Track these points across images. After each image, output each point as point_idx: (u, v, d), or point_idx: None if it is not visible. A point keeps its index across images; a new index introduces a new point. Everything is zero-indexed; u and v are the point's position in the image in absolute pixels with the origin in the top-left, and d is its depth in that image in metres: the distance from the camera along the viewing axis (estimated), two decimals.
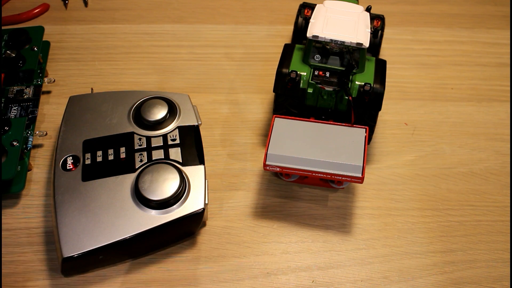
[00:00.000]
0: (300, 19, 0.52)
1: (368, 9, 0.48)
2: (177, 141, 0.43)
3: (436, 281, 0.41)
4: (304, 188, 0.46)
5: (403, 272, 0.41)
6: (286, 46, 0.47)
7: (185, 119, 0.45)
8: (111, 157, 0.42)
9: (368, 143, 0.48)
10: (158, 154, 0.42)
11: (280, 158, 0.41)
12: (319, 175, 0.41)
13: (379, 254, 0.42)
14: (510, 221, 0.44)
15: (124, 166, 0.41)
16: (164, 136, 0.43)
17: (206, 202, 0.40)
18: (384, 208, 0.45)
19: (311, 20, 0.45)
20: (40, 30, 0.53)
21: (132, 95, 0.46)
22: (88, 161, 0.42)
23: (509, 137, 0.50)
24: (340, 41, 0.43)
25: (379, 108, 0.44)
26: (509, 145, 0.50)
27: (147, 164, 0.41)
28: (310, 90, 0.44)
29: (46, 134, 0.47)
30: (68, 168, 0.41)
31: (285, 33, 0.59)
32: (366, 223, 0.44)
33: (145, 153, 0.42)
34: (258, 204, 0.45)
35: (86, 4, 0.61)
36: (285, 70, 0.44)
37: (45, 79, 0.51)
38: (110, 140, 0.43)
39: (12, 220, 0.43)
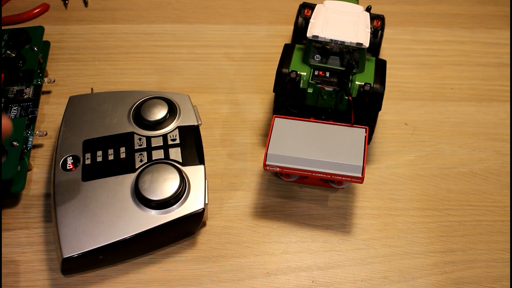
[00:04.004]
0: (300, 19, 0.52)
1: (368, 9, 0.48)
2: (177, 141, 0.43)
3: (436, 281, 0.41)
4: (304, 188, 0.46)
5: (403, 272, 0.41)
6: (286, 46, 0.47)
7: (185, 119, 0.45)
8: (111, 157, 0.42)
9: (368, 143, 0.48)
10: (158, 154, 0.42)
11: (280, 158, 0.41)
12: (319, 175, 0.41)
13: (379, 254, 0.42)
14: (510, 221, 0.44)
15: (124, 166, 0.41)
16: (164, 136, 0.43)
17: (206, 202, 0.40)
18: (384, 208, 0.45)
19: (311, 20, 0.45)
20: (40, 30, 0.53)
21: (132, 95, 0.46)
22: (88, 161, 0.42)
23: (509, 137, 0.50)
24: (340, 41, 0.43)
25: (379, 108, 0.44)
26: (509, 145, 0.50)
27: (147, 164, 0.41)
28: (310, 90, 0.44)
29: (46, 134, 0.47)
30: (68, 168, 0.42)
31: (285, 33, 0.59)
32: (366, 223, 0.44)
33: (145, 153, 0.42)
34: (258, 204, 0.45)
35: (86, 4, 0.61)
36: (285, 70, 0.44)
37: (45, 79, 0.51)
38: (110, 140, 0.43)
39: (12, 220, 0.43)
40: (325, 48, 0.45)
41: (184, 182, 0.40)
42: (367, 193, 0.46)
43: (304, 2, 0.53)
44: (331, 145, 0.42)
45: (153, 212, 0.39)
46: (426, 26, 0.61)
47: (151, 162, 0.42)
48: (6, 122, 0.33)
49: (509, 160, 0.48)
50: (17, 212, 0.43)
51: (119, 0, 0.62)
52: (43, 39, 0.53)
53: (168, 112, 0.45)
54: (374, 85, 0.43)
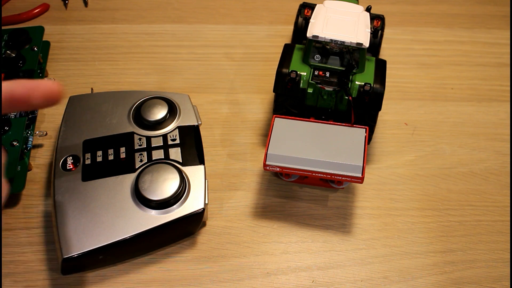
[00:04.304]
0: (300, 19, 0.52)
1: (368, 9, 0.48)
2: (177, 141, 0.43)
3: (436, 281, 0.41)
4: (304, 188, 0.46)
5: (403, 272, 0.41)
6: (286, 46, 0.47)
7: (185, 119, 0.45)
8: (111, 157, 0.42)
9: (368, 143, 0.48)
10: (158, 154, 0.42)
11: (280, 158, 0.41)
12: (319, 175, 0.41)
13: (379, 254, 0.42)
14: (510, 221, 0.44)
15: (124, 166, 0.41)
16: (164, 136, 0.43)
17: (206, 202, 0.40)
18: (384, 208, 0.45)
19: (311, 20, 0.45)
20: (40, 30, 0.53)
21: (132, 95, 0.46)
22: (88, 161, 0.42)
23: (509, 137, 0.50)
24: (340, 41, 0.43)
25: (379, 108, 0.44)
26: (509, 145, 0.50)
27: (147, 164, 0.41)
28: (310, 90, 0.44)
29: (46, 134, 0.47)
30: (68, 168, 0.41)
31: (285, 33, 0.59)
32: (366, 223, 0.44)
33: (145, 153, 0.42)
34: (258, 204, 0.45)
35: (86, 4, 0.61)
36: (285, 70, 0.44)
37: (45, 79, 0.51)
38: (110, 140, 0.43)
39: (12, 220, 0.43)
40: (325, 48, 0.45)
41: (184, 182, 0.40)
42: (367, 193, 0.46)
43: (304, 2, 0.53)
44: (331, 145, 0.42)
45: (153, 212, 0.39)
46: (426, 26, 0.61)
47: (151, 162, 0.42)
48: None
49: (509, 160, 0.48)
50: (17, 212, 0.43)
51: (119, 0, 0.62)
52: (43, 39, 0.53)
53: (168, 112, 0.45)
54: (374, 85, 0.43)
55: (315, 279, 0.41)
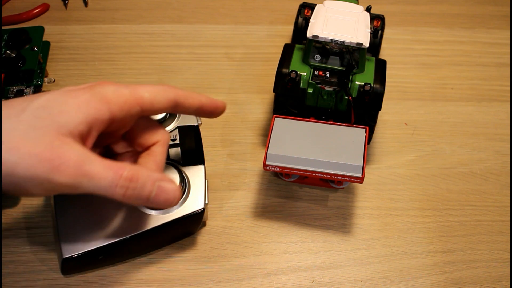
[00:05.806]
0: (300, 19, 0.52)
1: (368, 9, 0.48)
2: (177, 141, 0.43)
3: (436, 281, 0.41)
4: (304, 188, 0.46)
5: (403, 272, 0.41)
6: (286, 46, 0.47)
7: (185, 119, 0.45)
8: None
9: (368, 143, 0.48)
10: None
11: (280, 158, 0.41)
12: (319, 175, 0.41)
13: (379, 254, 0.42)
14: (510, 221, 0.44)
15: None
16: None
17: (206, 202, 0.40)
18: (384, 208, 0.45)
19: (311, 20, 0.45)
20: (40, 30, 0.53)
21: None
22: None
23: (509, 137, 0.50)
24: (340, 41, 0.43)
25: (379, 108, 0.44)
26: (509, 145, 0.50)
27: None
28: (310, 90, 0.44)
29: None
30: None
31: (285, 33, 0.59)
32: (366, 223, 0.44)
33: None
34: (258, 204, 0.45)
35: (86, 4, 0.61)
36: (285, 70, 0.44)
37: (45, 79, 0.51)
38: None
39: (12, 220, 0.43)
40: (325, 48, 0.45)
41: (184, 182, 0.40)
42: (367, 193, 0.46)
43: (304, 2, 0.53)
44: (331, 145, 0.42)
45: (153, 212, 0.39)
46: (426, 26, 0.61)
47: None
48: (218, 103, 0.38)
49: (509, 160, 0.48)
50: (17, 212, 0.43)
51: (119, 0, 0.62)
52: (43, 39, 0.53)
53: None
54: (374, 85, 0.43)
55: (315, 279, 0.41)
